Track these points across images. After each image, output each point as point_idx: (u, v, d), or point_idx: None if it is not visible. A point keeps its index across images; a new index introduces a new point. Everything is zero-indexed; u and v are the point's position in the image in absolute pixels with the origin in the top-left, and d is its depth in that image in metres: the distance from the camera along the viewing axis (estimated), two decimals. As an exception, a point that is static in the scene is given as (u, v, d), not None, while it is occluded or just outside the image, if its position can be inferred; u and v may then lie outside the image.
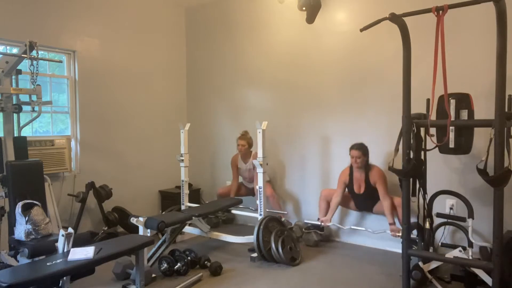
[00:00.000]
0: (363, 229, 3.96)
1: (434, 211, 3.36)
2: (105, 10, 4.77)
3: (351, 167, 3.99)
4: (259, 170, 3.92)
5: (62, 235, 2.57)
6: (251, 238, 3.80)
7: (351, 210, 4.35)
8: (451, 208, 3.67)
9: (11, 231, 3.18)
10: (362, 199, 3.98)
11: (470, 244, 3.04)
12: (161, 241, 3.70)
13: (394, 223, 3.73)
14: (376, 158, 4.02)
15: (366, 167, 3.90)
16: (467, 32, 3.58)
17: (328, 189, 4.26)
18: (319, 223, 4.09)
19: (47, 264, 2.33)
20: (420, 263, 3.02)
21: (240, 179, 4.95)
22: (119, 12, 4.93)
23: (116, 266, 3.32)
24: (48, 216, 3.25)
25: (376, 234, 3.85)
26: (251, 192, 4.82)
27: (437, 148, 3.01)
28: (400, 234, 3.53)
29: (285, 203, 4.83)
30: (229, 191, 4.85)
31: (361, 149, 3.86)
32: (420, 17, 2.55)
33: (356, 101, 4.25)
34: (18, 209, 3.00)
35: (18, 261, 3.04)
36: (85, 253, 2.46)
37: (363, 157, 3.85)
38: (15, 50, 3.85)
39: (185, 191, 4.56)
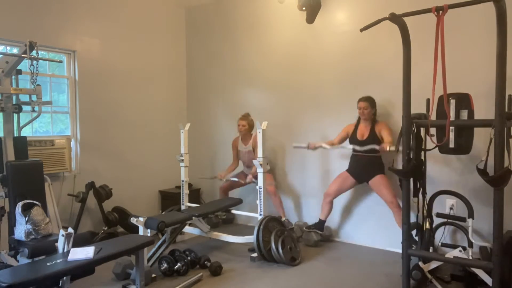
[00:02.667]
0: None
1: (434, 211, 3.36)
2: (105, 10, 4.77)
3: (358, 120, 3.99)
4: (259, 170, 3.92)
5: (62, 235, 2.57)
6: (251, 238, 3.80)
7: (350, 211, 4.36)
8: (451, 208, 3.67)
9: (11, 231, 3.18)
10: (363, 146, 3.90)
11: (470, 244, 3.04)
12: (161, 241, 3.70)
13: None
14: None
15: (373, 120, 3.91)
16: (467, 32, 3.58)
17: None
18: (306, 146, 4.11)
19: (47, 264, 2.33)
20: (420, 263, 3.02)
21: (240, 168, 4.93)
22: (119, 12, 4.92)
23: (116, 266, 3.32)
24: (48, 216, 3.25)
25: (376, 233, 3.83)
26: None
27: (437, 148, 3.01)
28: (388, 148, 3.58)
29: (285, 203, 4.82)
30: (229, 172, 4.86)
31: (368, 100, 3.88)
32: (420, 17, 2.55)
33: (356, 101, 4.25)
34: (18, 209, 3.00)
35: (18, 261, 3.03)
36: (85, 253, 2.46)
37: (370, 109, 3.87)
38: (15, 50, 3.85)
39: (185, 191, 4.56)
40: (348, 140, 4.04)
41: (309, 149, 4.13)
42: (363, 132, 3.93)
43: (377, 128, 3.87)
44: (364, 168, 3.92)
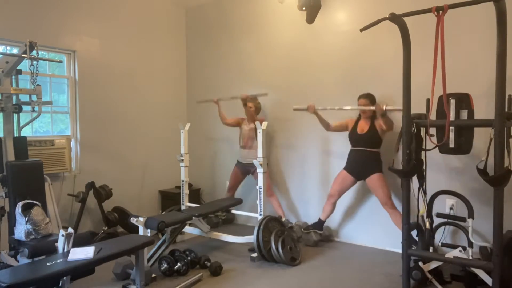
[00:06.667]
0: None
1: (434, 211, 3.36)
2: (105, 10, 4.77)
3: (359, 116, 3.98)
4: (259, 170, 3.92)
5: (62, 235, 2.57)
6: (251, 238, 3.80)
7: (350, 211, 4.36)
8: (451, 208, 3.67)
9: (11, 231, 3.18)
10: (362, 142, 3.89)
11: (470, 244, 3.04)
12: (161, 241, 3.70)
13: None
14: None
15: (373, 116, 3.88)
16: (467, 32, 3.58)
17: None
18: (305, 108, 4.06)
19: (47, 264, 2.33)
20: (420, 263, 3.02)
21: (232, 165, 4.88)
22: (119, 12, 4.93)
23: (116, 266, 3.32)
24: (48, 216, 3.25)
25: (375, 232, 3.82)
26: (247, 170, 4.72)
27: (437, 148, 3.01)
28: (385, 107, 3.57)
29: (284, 203, 4.82)
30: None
31: (368, 98, 3.87)
32: (420, 17, 2.55)
33: (356, 101, 4.25)
34: (18, 209, 3.00)
35: (18, 261, 3.04)
36: (85, 253, 2.46)
37: (370, 106, 3.85)
38: (15, 50, 3.84)
39: (185, 191, 4.56)
40: (348, 133, 4.04)
41: (308, 111, 4.08)
42: (363, 127, 3.93)
43: (377, 123, 3.87)
44: (362, 164, 3.91)
